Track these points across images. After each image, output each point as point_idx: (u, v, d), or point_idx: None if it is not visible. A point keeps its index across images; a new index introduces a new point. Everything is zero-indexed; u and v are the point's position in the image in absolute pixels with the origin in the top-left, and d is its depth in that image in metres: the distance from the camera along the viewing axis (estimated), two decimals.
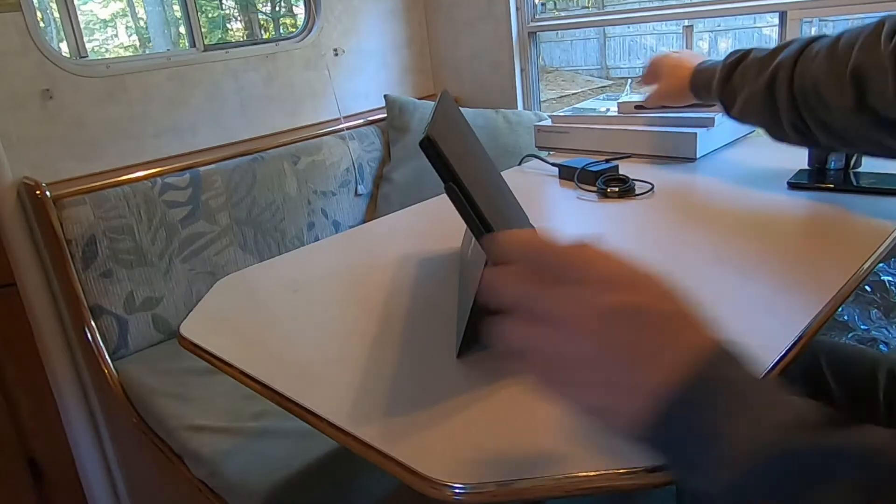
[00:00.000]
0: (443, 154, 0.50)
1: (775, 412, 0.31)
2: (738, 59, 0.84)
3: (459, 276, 0.72)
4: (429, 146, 0.50)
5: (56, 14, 1.76)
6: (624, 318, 0.33)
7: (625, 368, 0.32)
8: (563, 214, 0.93)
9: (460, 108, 0.79)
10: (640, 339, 0.32)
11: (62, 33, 1.65)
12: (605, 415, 0.34)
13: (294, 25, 2.92)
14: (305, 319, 0.68)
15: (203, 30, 1.69)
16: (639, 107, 1.27)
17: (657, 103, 1.06)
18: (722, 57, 0.88)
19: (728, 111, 0.86)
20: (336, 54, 1.83)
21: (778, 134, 0.79)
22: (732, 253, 0.69)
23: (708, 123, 1.17)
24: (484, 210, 0.50)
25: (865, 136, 0.68)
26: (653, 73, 1.05)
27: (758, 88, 0.78)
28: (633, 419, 0.32)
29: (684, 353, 0.32)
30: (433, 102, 0.79)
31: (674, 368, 0.31)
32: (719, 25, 10.20)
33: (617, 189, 0.93)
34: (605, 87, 10.73)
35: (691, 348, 0.32)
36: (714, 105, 0.93)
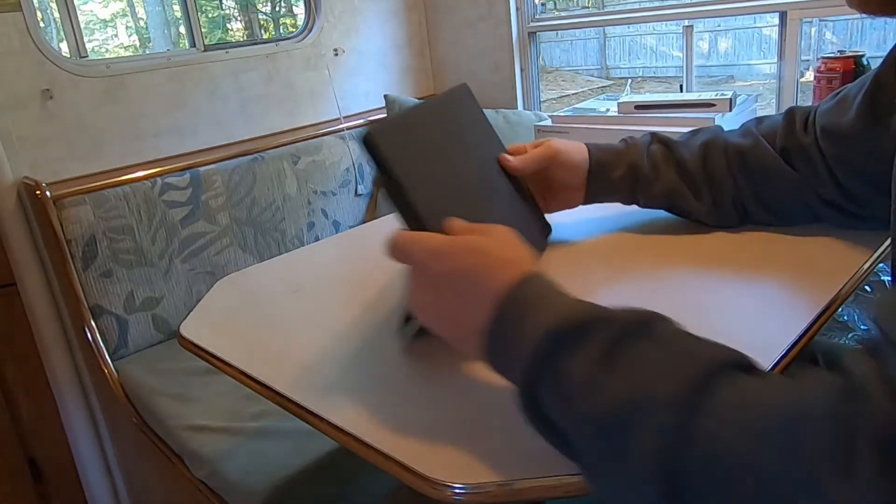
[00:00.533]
0: (379, 149, 0.54)
1: (552, 309, 0.41)
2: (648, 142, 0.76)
3: None
4: (365, 142, 0.55)
5: (56, 14, 1.76)
6: (447, 280, 0.46)
7: (458, 314, 0.45)
8: (562, 214, 0.93)
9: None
10: (461, 291, 0.45)
11: (62, 33, 1.65)
12: (463, 348, 0.47)
13: (294, 25, 2.92)
14: (305, 319, 0.68)
15: (203, 30, 1.69)
16: (639, 107, 1.27)
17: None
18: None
19: (636, 195, 0.76)
20: (336, 54, 1.83)
21: (708, 213, 0.73)
22: (732, 254, 0.69)
23: (708, 124, 1.17)
24: (419, 206, 0.54)
25: (803, 208, 0.70)
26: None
27: (689, 164, 0.73)
28: (475, 348, 0.44)
29: (492, 293, 0.43)
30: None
31: (487, 304, 0.43)
32: (719, 25, 10.20)
33: None
34: (605, 87, 10.73)
35: (497, 287, 0.43)
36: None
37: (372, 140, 0.55)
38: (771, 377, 0.35)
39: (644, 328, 0.38)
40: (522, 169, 0.73)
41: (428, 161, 0.61)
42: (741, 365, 0.36)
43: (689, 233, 0.76)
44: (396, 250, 0.49)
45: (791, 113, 0.72)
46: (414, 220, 0.55)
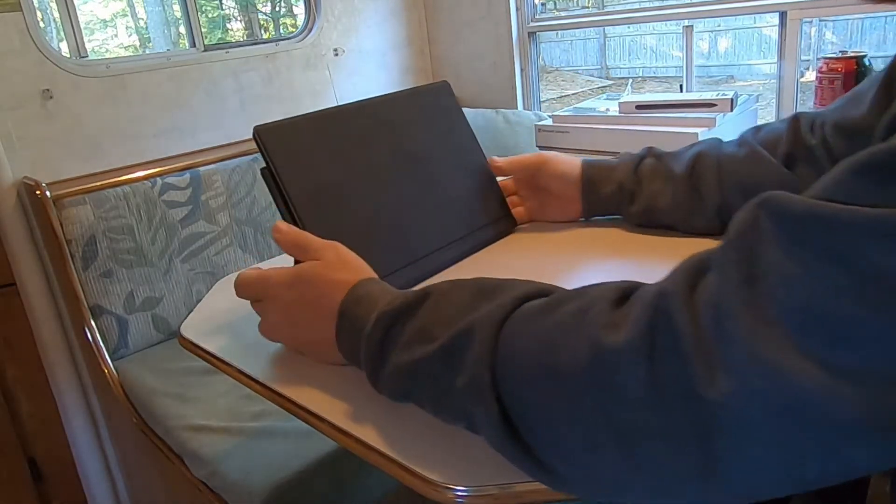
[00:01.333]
0: (265, 148, 0.63)
1: (384, 298, 0.49)
2: (640, 157, 0.77)
3: None
4: (256, 138, 0.63)
5: (56, 14, 1.76)
6: (294, 308, 0.54)
7: (312, 334, 0.54)
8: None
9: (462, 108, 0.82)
10: (308, 317, 0.54)
11: (62, 33, 1.65)
12: (326, 359, 0.56)
13: (294, 25, 2.92)
14: None
15: (203, 30, 1.69)
16: (640, 106, 1.27)
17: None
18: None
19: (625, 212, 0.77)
20: (336, 54, 1.83)
21: (696, 224, 0.72)
22: (678, 238, 0.69)
23: (709, 124, 1.17)
24: (297, 204, 0.62)
25: None
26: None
27: (677, 176, 0.73)
28: (334, 354, 0.53)
29: (330, 310, 0.51)
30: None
31: (331, 319, 0.51)
32: (719, 25, 10.21)
33: None
34: (605, 87, 10.73)
35: (333, 305, 0.51)
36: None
37: (260, 136, 0.63)
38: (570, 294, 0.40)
39: (461, 282, 0.47)
40: (505, 170, 0.80)
41: (326, 159, 0.67)
42: (544, 291, 0.42)
43: (689, 235, 0.76)
44: (241, 288, 0.58)
45: (796, 118, 0.71)
46: (289, 215, 0.63)
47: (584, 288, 0.40)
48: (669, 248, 0.72)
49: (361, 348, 0.48)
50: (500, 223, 0.80)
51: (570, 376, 0.35)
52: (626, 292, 0.37)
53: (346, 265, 0.55)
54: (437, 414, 0.45)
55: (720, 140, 0.75)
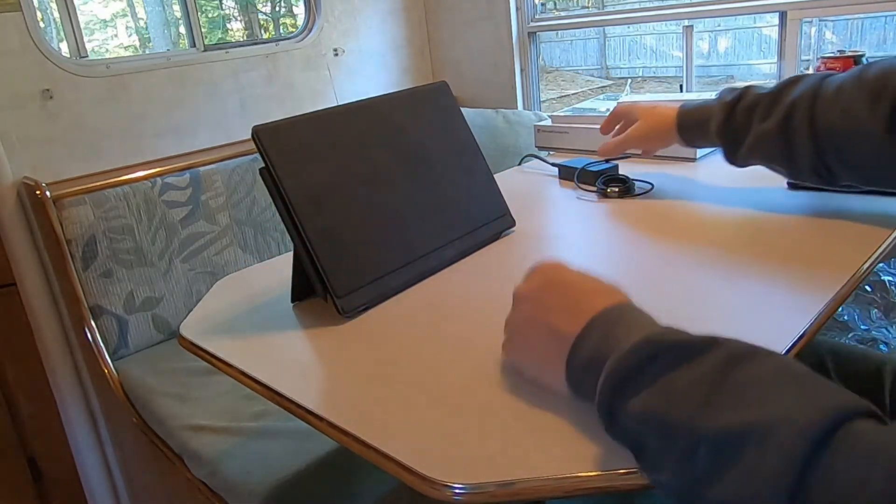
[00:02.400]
0: (264, 149, 0.63)
1: (640, 330, 0.41)
2: (737, 98, 0.76)
3: None
4: (255, 138, 0.63)
5: (56, 14, 1.76)
6: (529, 326, 0.49)
7: (542, 357, 0.48)
8: (562, 214, 0.93)
9: (460, 108, 0.83)
10: (565, 299, 0.48)
11: (62, 33, 1.65)
12: (544, 383, 0.49)
13: (294, 25, 2.92)
14: (304, 319, 0.67)
15: (203, 30, 1.69)
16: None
17: (634, 146, 0.91)
18: (708, 90, 0.83)
19: (730, 155, 0.78)
20: (336, 54, 1.83)
21: (794, 176, 0.74)
22: (732, 253, 0.69)
23: None
24: (296, 204, 0.63)
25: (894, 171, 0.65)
26: (618, 116, 0.94)
27: (768, 130, 0.71)
28: (557, 383, 0.46)
29: (589, 309, 0.45)
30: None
31: (583, 316, 0.45)
32: (719, 25, 10.20)
33: (617, 189, 0.92)
34: (605, 87, 10.73)
35: (593, 307, 0.45)
36: (698, 147, 0.87)
37: (258, 136, 0.64)
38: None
39: (751, 352, 0.37)
40: (615, 153, 0.92)
41: (325, 159, 0.68)
42: (870, 411, 0.33)
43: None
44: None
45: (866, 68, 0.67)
46: (287, 215, 0.63)
47: None
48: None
49: (605, 362, 0.41)
50: (500, 222, 0.81)
51: None
52: None
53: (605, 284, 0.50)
54: (679, 488, 0.37)
55: (816, 78, 0.71)
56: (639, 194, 0.92)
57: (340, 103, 0.78)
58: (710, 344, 0.38)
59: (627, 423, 0.39)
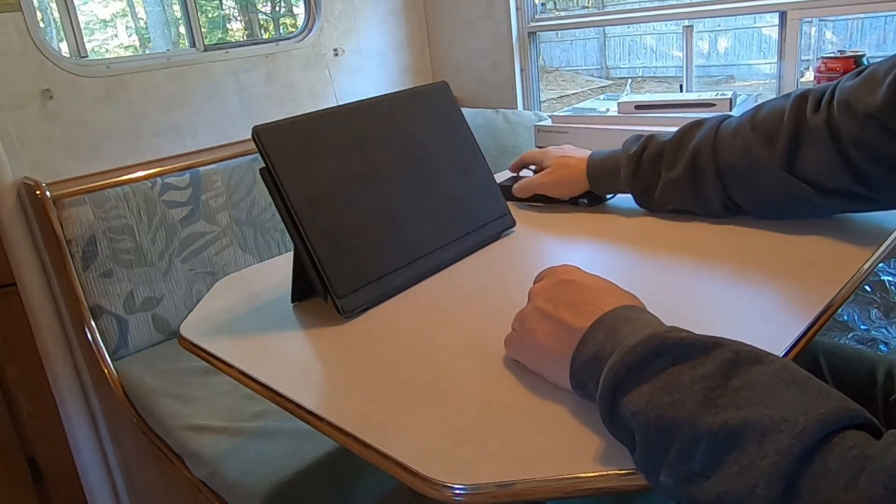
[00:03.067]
0: (264, 148, 0.63)
1: (647, 328, 0.42)
2: (642, 148, 0.79)
3: None
4: (255, 138, 0.64)
5: (56, 14, 1.76)
6: (568, 285, 0.51)
7: (549, 350, 0.49)
8: (562, 214, 0.93)
9: (460, 108, 0.83)
10: (577, 296, 0.49)
11: (62, 33, 1.65)
12: (549, 376, 0.50)
13: (294, 25, 2.92)
14: (305, 319, 0.67)
15: (203, 30, 1.69)
16: (639, 106, 1.27)
17: (542, 191, 0.90)
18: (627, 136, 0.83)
19: (643, 201, 0.81)
20: (336, 54, 1.83)
21: (707, 214, 0.77)
22: (731, 254, 0.69)
23: None
24: (295, 204, 0.63)
25: (798, 203, 0.69)
26: (528, 160, 0.95)
27: (677, 177, 0.76)
28: (562, 377, 0.47)
29: (598, 306, 0.47)
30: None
31: (593, 312, 0.46)
32: (719, 25, 10.20)
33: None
34: (605, 87, 10.73)
35: (604, 306, 0.47)
36: (609, 194, 0.88)
37: (259, 136, 0.64)
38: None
39: (755, 355, 0.38)
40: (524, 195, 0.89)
41: (325, 159, 0.68)
42: (866, 420, 0.34)
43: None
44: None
45: (802, 97, 0.69)
46: (287, 214, 0.64)
47: None
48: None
49: (609, 358, 0.42)
50: (500, 222, 0.81)
51: None
52: None
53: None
54: (669, 489, 0.38)
55: (722, 117, 0.76)
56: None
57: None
58: (714, 344, 0.39)
59: (628, 418, 0.40)
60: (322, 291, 0.67)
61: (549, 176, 0.89)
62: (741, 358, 0.38)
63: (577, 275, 0.52)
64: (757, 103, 0.74)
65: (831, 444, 0.32)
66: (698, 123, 0.77)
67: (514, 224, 0.83)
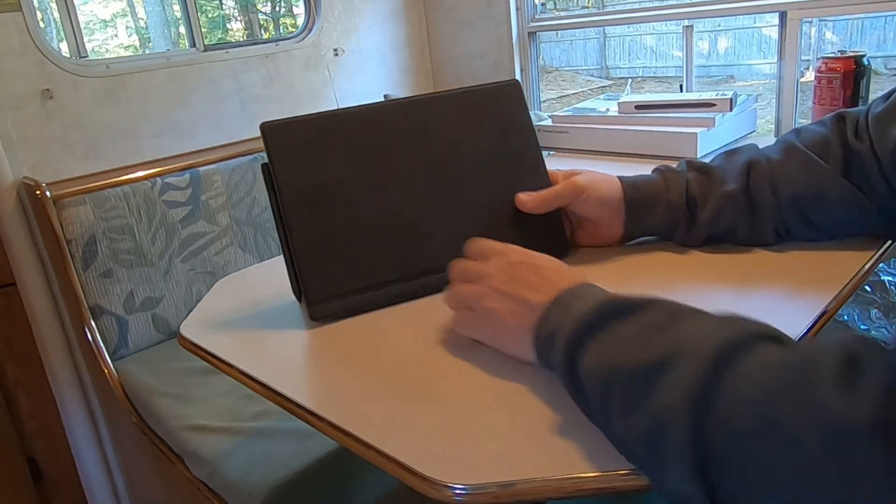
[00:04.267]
0: (268, 143, 0.63)
1: (597, 299, 0.46)
2: (684, 167, 0.71)
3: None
4: (263, 133, 0.64)
5: (56, 14, 1.76)
6: (522, 266, 0.54)
7: (511, 328, 0.52)
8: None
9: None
10: (532, 276, 0.53)
11: (62, 33, 1.65)
12: (512, 352, 0.54)
13: (294, 25, 2.92)
14: (305, 319, 0.67)
15: (203, 30, 1.68)
16: (639, 106, 1.27)
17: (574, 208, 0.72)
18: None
19: (688, 224, 0.70)
20: (336, 54, 1.83)
21: (757, 229, 0.68)
22: (731, 254, 0.69)
23: (708, 124, 1.17)
24: (285, 202, 0.63)
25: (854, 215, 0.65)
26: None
27: (732, 190, 0.68)
28: (526, 352, 0.51)
29: (556, 285, 0.50)
30: None
31: (553, 289, 0.50)
32: (719, 25, 10.21)
33: None
34: (605, 87, 10.74)
35: (560, 282, 0.51)
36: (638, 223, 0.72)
37: (264, 132, 0.63)
38: (796, 344, 0.38)
39: (690, 310, 0.43)
40: (538, 210, 0.69)
41: (332, 160, 0.65)
42: (773, 336, 0.38)
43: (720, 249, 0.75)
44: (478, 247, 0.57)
45: (841, 119, 0.67)
46: (277, 212, 0.63)
47: (815, 338, 0.37)
48: (723, 265, 0.68)
49: (566, 328, 0.45)
50: (543, 247, 0.66)
51: (793, 441, 0.31)
52: (853, 354, 0.33)
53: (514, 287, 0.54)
54: (617, 434, 0.41)
55: (756, 146, 0.71)
56: None
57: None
58: (654, 301, 0.44)
59: (585, 378, 0.43)
60: (297, 292, 0.67)
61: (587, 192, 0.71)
62: (679, 310, 0.43)
63: (527, 255, 0.55)
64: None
65: (744, 353, 0.36)
66: (734, 151, 0.71)
67: (566, 251, 0.72)
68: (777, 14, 1.39)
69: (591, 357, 0.43)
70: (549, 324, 0.48)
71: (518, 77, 1.88)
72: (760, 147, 0.71)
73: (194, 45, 1.66)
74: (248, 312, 0.72)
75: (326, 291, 0.64)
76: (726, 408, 0.34)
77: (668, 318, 0.42)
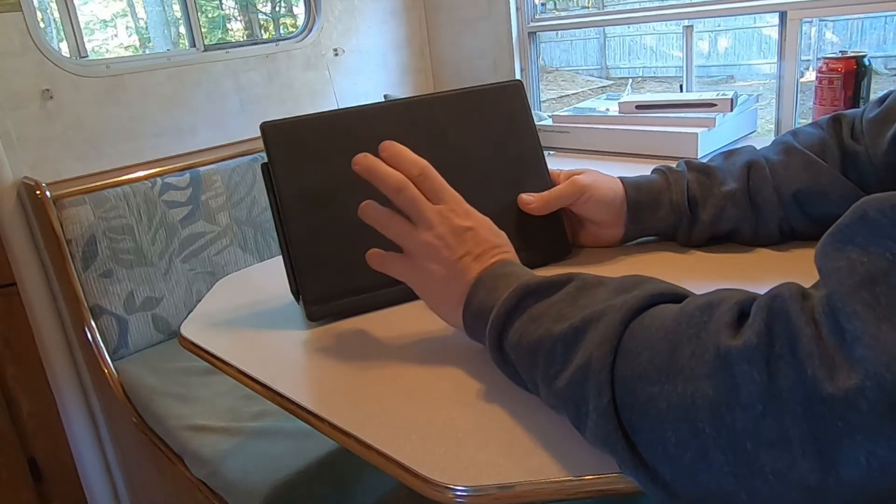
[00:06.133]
0: (267, 143, 0.63)
1: (517, 280, 0.50)
2: (683, 167, 0.72)
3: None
4: (263, 133, 0.64)
5: (56, 14, 1.76)
6: (459, 233, 0.56)
7: (444, 295, 0.56)
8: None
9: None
10: (469, 245, 0.56)
11: (62, 33, 1.65)
12: (440, 298, 0.57)
13: (294, 25, 2.92)
14: (305, 319, 0.67)
15: (203, 30, 1.68)
16: (640, 106, 1.27)
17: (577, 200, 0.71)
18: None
19: (687, 220, 0.70)
20: (336, 54, 1.83)
21: (762, 224, 0.68)
22: (732, 254, 0.69)
23: (708, 124, 1.17)
24: (284, 201, 0.63)
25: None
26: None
27: (732, 190, 0.68)
28: (455, 321, 0.55)
29: (486, 259, 0.55)
30: None
31: (466, 285, 0.54)
32: (719, 25, 10.21)
33: None
34: (605, 87, 10.74)
35: (488, 259, 0.55)
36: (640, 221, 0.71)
37: (264, 132, 0.63)
38: (695, 297, 0.40)
39: (598, 280, 0.47)
40: (541, 211, 0.69)
41: (332, 160, 0.65)
42: (675, 293, 0.42)
43: (723, 249, 0.75)
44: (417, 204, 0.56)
45: (837, 121, 0.68)
46: (276, 211, 0.63)
47: (710, 292, 0.39)
48: (729, 263, 0.68)
49: (493, 309, 0.49)
50: (544, 248, 0.70)
51: (687, 375, 0.35)
52: (750, 298, 0.36)
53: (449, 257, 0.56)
54: (547, 396, 0.45)
55: (754, 147, 0.71)
56: None
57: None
58: (567, 277, 0.48)
59: (511, 353, 0.48)
60: (295, 292, 0.67)
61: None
62: (587, 283, 0.47)
63: (476, 222, 0.57)
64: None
65: (646, 311, 0.40)
66: (732, 151, 0.72)
67: (567, 253, 0.72)
68: (777, 14, 1.39)
69: (514, 335, 0.47)
70: (476, 301, 0.52)
71: (518, 77, 1.88)
72: (757, 149, 0.72)
73: (194, 45, 1.66)
74: (248, 312, 0.72)
75: (324, 292, 0.64)
76: (634, 354, 0.38)
77: (578, 290, 0.46)
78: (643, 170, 0.74)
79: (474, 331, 0.53)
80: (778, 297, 0.33)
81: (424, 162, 0.56)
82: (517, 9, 1.83)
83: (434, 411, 0.49)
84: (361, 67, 1.90)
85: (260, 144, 0.65)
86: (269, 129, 0.64)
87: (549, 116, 1.38)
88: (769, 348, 0.32)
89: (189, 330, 0.68)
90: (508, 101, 0.72)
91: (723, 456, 0.33)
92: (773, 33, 1.49)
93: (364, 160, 0.56)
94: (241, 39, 4.89)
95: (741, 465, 0.32)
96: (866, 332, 0.29)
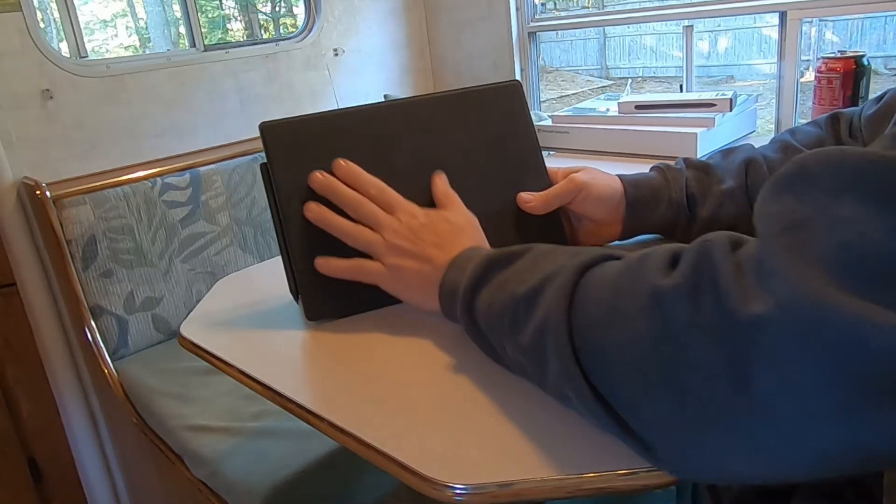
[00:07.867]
0: (266, 143, 0.64)
1: (482, 256, 0.54)
2: (681, 165, 0.72)
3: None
4: (262, 133, 0.64)
5: (56, 14, 1.76)
6: (429, 227, 0.62)
7: (420, 284, 0.60)
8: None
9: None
10: (438, 237, 0.61)
11: (62, 33, 1.65)
12: (417, 285, 0.60)
13: (294, 25, 2.92)
14: (305, 319, 0.67)
15: (203, 30, 1.69)
16: (639, 106, 1.27)
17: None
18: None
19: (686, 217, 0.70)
20: (336, 54, 1.83)
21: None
22: None
23: (708, 124, 1.17)
24: (283, 202, 0.63)
25: None
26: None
27: (731, 188, 0.69)
28: (432, 306, 0.59)
29: (454, 251, 0.59)
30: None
31: (449, 254, 0.58)
32: (719, 25, 10.21)
33: None
34: (605, 87, 10.74)
35: (456, 249, 0.59)
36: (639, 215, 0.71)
37: (263, 132, 0.63)
38: (638, 253, 0.43)
39: (555, 249, 0.51)
40: (541, 210, 0.69)
41: (331, 161, 0.64)
42: (622, 255, 0.44)
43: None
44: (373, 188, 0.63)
45: (835, 119, 0.68)
46: (276, 213, 0.64)
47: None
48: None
49: (462, 284, 0.53)
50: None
51: (628, 317, 0.38)
52: (682, 246, 0.39)
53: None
54: (514, 357, 0.48)
55: (753, 146, 0.72)
56: None
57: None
58: (527, 247, 0.52)
59: (480, 319, 0.51)
60: (294, 292, 0.67)
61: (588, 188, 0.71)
62: (547, 249, 0.51)
63: (431, 218, 0.62)
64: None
65: (592, 270, 0.44)
66: (731, 150, 0.72)
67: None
68: (777, 14, 1.39)
69: (482, 302, 0.51)
70: (448, 282, 0.56)
71: (518, 77, 1.88)
72: (756, 147, 0.72)
73: (194, 45, 1.66)
74: (248, 312, 0.72)
75: (323, 292, 0.64)
76: (585, 304, 0.41)
77: (538, 255, 0.50)
78: (643, 170, 0.74)
79: (449, 310, 0.56)
80: (707, 241, 0.36)
81: (378, 180, 0.63)
82: (517, 9, 1.83)
83: (434, 411, 0.49)
84: (361, 67, 1.90)
85: (260, 144, 0.65)
86: (268, 129, 0.64)
87: (549, 116, 1.38)
88: (695, 285, 0.34)
89: (189, 330, 0.68)
90: (507, 101, 0.72)
91: (661, 389, 0.36)
92: (773, 33, 1.49)
93: (323, 179, 0.62)
94: (241, 39, 4.89)
95: (675, 393, 0.35)
96: (781, 268, 0.31)
